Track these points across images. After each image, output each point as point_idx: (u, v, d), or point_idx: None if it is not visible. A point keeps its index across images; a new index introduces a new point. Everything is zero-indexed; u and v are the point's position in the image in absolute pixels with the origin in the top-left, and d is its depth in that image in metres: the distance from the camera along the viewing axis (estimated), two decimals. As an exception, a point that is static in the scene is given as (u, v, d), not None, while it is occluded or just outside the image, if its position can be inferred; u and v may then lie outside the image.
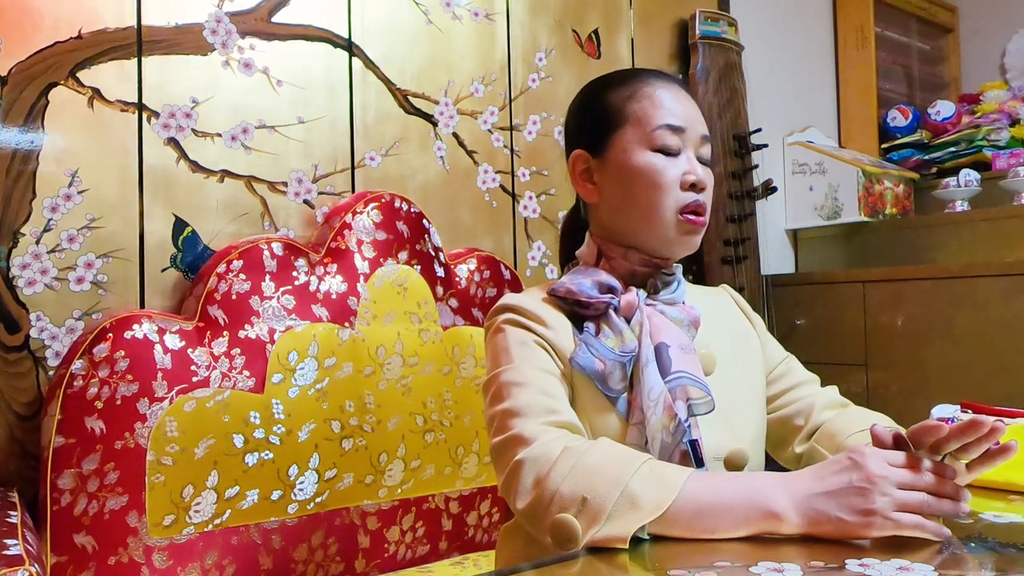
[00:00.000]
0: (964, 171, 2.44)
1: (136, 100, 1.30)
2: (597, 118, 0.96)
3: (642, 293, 0.92)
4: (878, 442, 0.72)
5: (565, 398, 0.85)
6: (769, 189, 2.21)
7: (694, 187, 0.91)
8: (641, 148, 0.91)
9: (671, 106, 0.92)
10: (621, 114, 0.93)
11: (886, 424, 0.93)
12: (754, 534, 0.68)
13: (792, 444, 0.98)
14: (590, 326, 0.89)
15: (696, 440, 0.83)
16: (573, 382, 0.87)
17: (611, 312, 0.89)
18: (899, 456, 0.68)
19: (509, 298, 0.92)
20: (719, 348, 0.94)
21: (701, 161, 0.93)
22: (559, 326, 0.89)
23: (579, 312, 0.90)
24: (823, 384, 1.04)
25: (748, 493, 0.69)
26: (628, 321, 0.89)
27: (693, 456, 0.83)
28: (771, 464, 1.05)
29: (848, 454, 0.68)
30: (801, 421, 0.98)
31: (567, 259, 1.04)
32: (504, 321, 0.90)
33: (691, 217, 0.90)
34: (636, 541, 0.67)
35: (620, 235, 0.94)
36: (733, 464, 0.88)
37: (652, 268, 0.94)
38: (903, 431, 0.72)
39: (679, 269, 0.96)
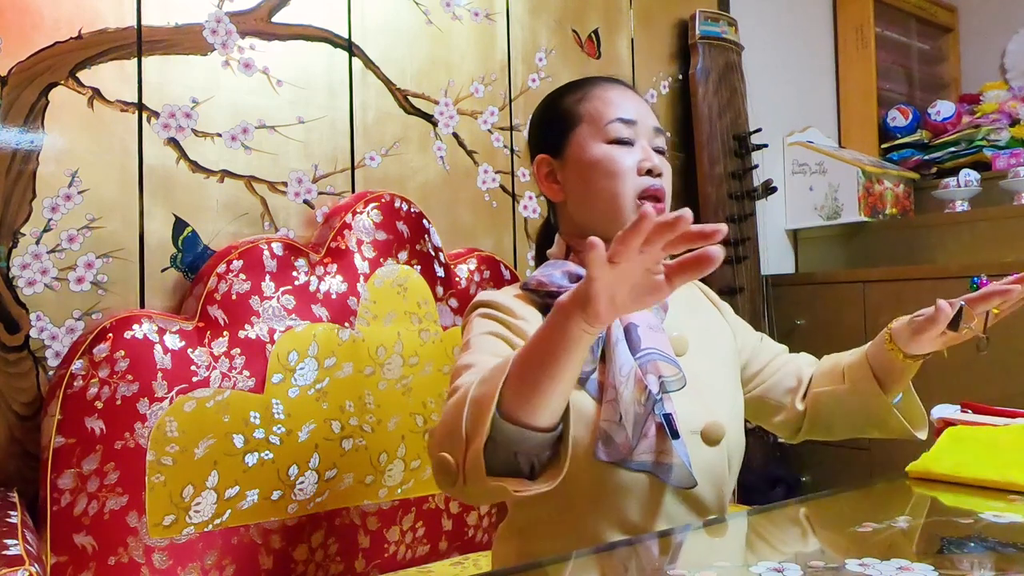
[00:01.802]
0: (964, 171, 2.44)
1: (136, 100, 1.30)
2: (554, 122, 1.02)
3: None
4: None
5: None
6: (769, 189, 2.21)
7: (650, 173, 0.96)
8: (596, 142, 0.97)
9: (621, 102, 0.98)
10: (575, 115, 1.00)
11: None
12: (572, 337, 0.66)
13: (793, 402, 1.06)
14: None
15: (670, 414, 0.85)
16: None
17: None
18: None
19: (483, 295, 0.96)
20: (689, 332, 0.98)
21: (656, 151, 0.98)
22: (531, 319, 0.92)
23: (551, 303, 0.92)
24: None
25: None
26: None
27: (668, 430, 0.84)
28: (752, 442, 1.18)
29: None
30: (793, 382, 1.07)
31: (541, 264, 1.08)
32: (476, 316, 0.93)
33: (651, 202, 0.95)
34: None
35: (586, 228, 0.98)
36: (711, 436, 0.90)
37: None
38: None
39: None
